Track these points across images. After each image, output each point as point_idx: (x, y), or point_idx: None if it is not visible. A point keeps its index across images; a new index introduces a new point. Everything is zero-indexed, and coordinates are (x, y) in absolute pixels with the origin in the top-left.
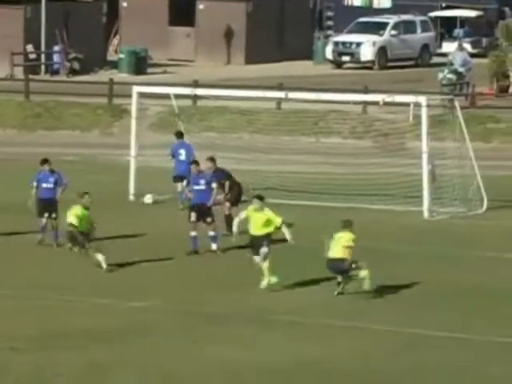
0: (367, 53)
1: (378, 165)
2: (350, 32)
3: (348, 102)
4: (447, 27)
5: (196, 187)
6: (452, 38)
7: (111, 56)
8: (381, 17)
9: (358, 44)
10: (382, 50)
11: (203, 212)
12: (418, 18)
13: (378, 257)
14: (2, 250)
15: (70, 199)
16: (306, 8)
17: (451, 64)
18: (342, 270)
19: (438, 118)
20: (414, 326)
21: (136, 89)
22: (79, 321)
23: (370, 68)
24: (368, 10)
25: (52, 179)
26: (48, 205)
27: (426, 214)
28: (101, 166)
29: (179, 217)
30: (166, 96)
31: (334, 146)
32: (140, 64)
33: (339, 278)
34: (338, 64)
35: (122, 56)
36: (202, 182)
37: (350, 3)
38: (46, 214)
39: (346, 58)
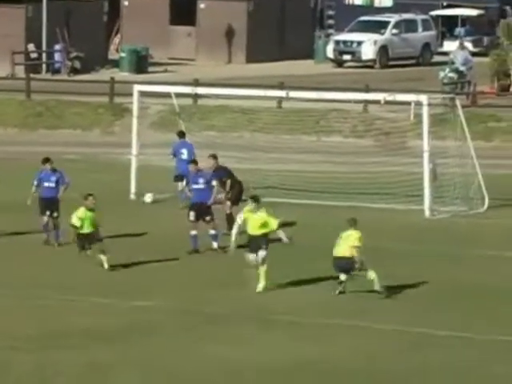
0: (368, 52)
1: (379, 164)
2: (351, 31)
3: (349, 101)
4: (448, 26)
5: (195, 186)
6: (453, 37)
7: (112, 55)
8: (382, 16)
9: (359, 43)
10: (383, 49)
11: (202, 211)
12: (419, 17)
13: (379, 256)
14: (4, 249)
15: (72, 198)
16: (307, 7)
17: (452, 63)
18: (347, 268)
19: (439, 117)
20: (415, 325)
21: (137, 88)
22: (80, 320)
23: (371, 67)
24: (369, 8)
25: (54, 178)
26: (50, 204)
27: (427, 213)
28: (102, 164)
29: (180, 216)
30: (167, 95)
31: (335, 145)
32: (141, 63)
33: (342, 277)
34: (339, 63)
35: (123, 55)
36: (201, 180)
37: (351, 2)
38: (48, 213)
39: (347, 57)
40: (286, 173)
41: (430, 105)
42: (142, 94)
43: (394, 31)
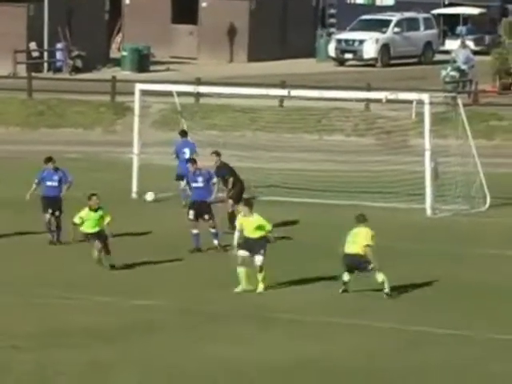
0: (370, 50)
1: (381, 162)
2: (353, 29)
3: (351, 100)
4: (450, 25)
5: (194, 185)
6: (455, 36)
7: (114, 53)
8: (384, 14)
9: (361, 41)
10: (384, 48)
11: (202, 209)
12: (421, 16)
13: (381, 254)
14: (5, 248)
15: (75, 197)
16: (309, 6)
17: (454, 61)
18: (359, 267)
19: (440, 116)
20: (416, 323)
21: (139, 86)
22: (81, 319)
23: (373, 65)
24: (371, 7)
25: (56, 177)
26: (52, 202)
27: (428, 212)
28: (103, 163)
29: (182, 214)
30: (169, 94)
31: (337, 144)
32: (143, 62)
33: (345, 278)
34: (341, 61)
35: (124, 54)
36: (200, 179)
37: (352, 1)
38: (50, 211)
39: (348, 56)
40: (287, 171)
41: (431, 103)
42: (144, 92)
43: (396, 30)
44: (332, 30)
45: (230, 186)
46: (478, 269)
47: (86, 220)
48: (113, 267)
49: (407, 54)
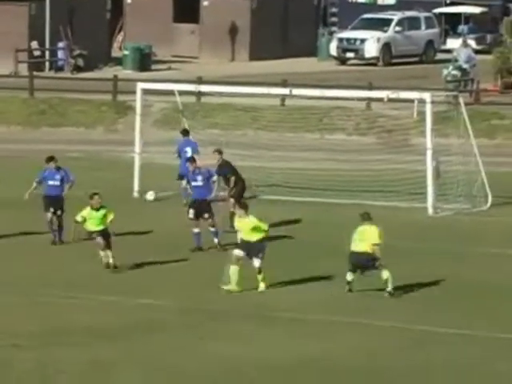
0: (371, 49)
1: (383, 161)
2: (355, 28)
3: (352, 99)
4: (452, 23)
5: (194, 183)
6: (456, 35)
7: (115, 52)
8: (385, 13)
9: (363, 40)
10: (386, 47)
11: (202, 208)
12: (423, 15)
13: (382, 253)
14: (7, 247)
15: (76, 196)
16: (311, 4)
17: (456, 60)
18: (366, 265)
19: (442, 115)
20: (418, 322)
21: (140, 85)
22: (82, 318)
23: (375, 64)
24: (372, 6)
25: (58, 176)
26: (54, 202)
27: (430, 211)
28: (105, 162)
29: (183, 213)
30: (171, 93)
31: (339, 143)
32: (144, 61)
33: (349, 277)
34: (343, 60)
35: (126, 52)
36: (199, 178)
37: (354, 0)
38: (52, 210)
39: (350, 55)
40: (289, 170)
41: (433, 102)
42: (146, 91)
43: (397, 29)
44: (333, 28)
45: (231, 184)
46: (479, 268)
47: (89, 219)
48: (115, 268)
49: (409, 52)
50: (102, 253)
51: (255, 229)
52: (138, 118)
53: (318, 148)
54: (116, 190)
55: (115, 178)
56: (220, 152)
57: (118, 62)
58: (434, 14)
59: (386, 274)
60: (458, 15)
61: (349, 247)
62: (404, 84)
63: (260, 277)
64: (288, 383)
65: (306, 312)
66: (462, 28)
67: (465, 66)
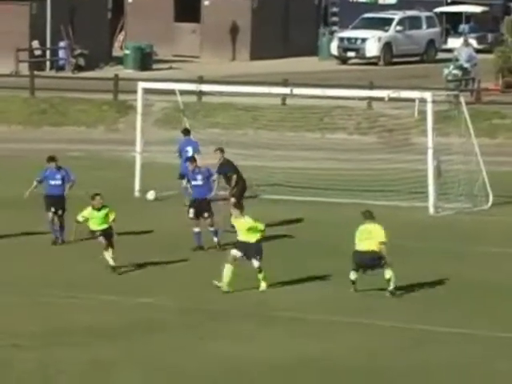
0: (372, 48)
1: (384, 161)
2: (356, 28)
3: (353, 98)
4: (453, 23)
5: (194, 183)
6: (457, 34)
7: (117, 52)
8: (386, 12)
9: (364, 40)
10: (387, 46)
11: (202, 207)
12: (424, 14)
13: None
14: (8, 247)
15: (77, 196)
16: (311, 4)
17: (457, 60)
18: (372, 264)
19: (443, 114)
20: (419, 322)
21: (141, 85)
22: (83, 318)
23: (376, 64)
24: (373, 5)
25: (59, 176)
26: (55, 201)
27: (431, 210)
28: (106, 162)
29: (184, 213)
30: (172, 92)
31: (339, 142)
32: (145, 60)
33: (354, 276)
34: (344, 60)
35: (127, 52)
36: (199, 177)
37: None
38: (53, 209)
39: (351, 54)
40: (290, 170)
41: (434, 102)
42: (147, 91)
43: (398, 28)
44: (334, 28)
45: (232, 183)
46: (480, 267)
47: (91, 219)
48: (118, 269)
49: (410, 52)
50: (105, 254)
51: (251, 229)
52: (138, 118)
53: (318, 147)
54: (117, 189)
55: (116, 178)
56: (222, 151)
57: (119, 61)
58: (435, 13)
59: (389, 274)
60: (459, 14)
61: (350, 246)
62: (405, 83)
63: (260, 276)
64: (288, 383)
65: (306, 311)
66: (463, 27)
67: (466, 65)
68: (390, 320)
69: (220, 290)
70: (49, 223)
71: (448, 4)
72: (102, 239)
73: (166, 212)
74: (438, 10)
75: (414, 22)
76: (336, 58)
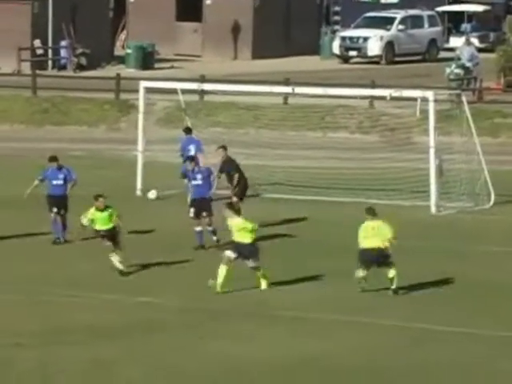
0: (374, 47)
1: (385, 160)
2: (357, 27)
3: (355, 97)
4: (454, 22)
5: (194, 182)
6: (459, 33)
7: (118, 51)
8: (388, 11)
9: (365, 39)
10: (389, 45)
11: (202, 206)
12: (426, 13)
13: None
14: (9, 247)
15: (79, 195)
16: (313, 3)
17: (458, 59)
18: (380, 261)
19: (445, 113)
20: (420, 321)
21: (143, 84)
22: (84, 317)
23: (377, 63)
24: (375, 4)
25: (61, 175)
26: (58, 201)
27: (433, 209)
28: (108, 161)
29: (185, 212)
30: (173, 91)
31: (341, 141)
32: (147, 59)
33: (361, 273)
34: (345, 59)
35: (129, 51)
36: (199, 176)
37: None
38: (55, 210)
39: (353, 53)
40: (292, 169)
41: (436, 101)
42: (148, 90)
43: (400, 27)
44: (336, 27)
45: (234, 182)
46: (482, 266)
47: (94, 220)
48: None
49: (411, 51)
50: (112, 258)
51: (243, 229)
52: (140, 117)
53: (320, 146)
54: (119, 188)
55: (118, 177)
56: (225, 148)
57: (121, 60)
58: (437, 12)
59: (392, 273)
60: (460, 13)
61: (351, 245)
62: (407, 82)
63: (259, 274)
64: (289, 383)
65: (306, 311)
66: (465, 26)
67: (468, 64)
68: (391, 319)
69: (209, 284)
70: (52, 224)
71: (450, 3)
72: (106, 242)
73: (167, 211)
74: (440, 8)
75: (415, 21)
76: (338, 57)
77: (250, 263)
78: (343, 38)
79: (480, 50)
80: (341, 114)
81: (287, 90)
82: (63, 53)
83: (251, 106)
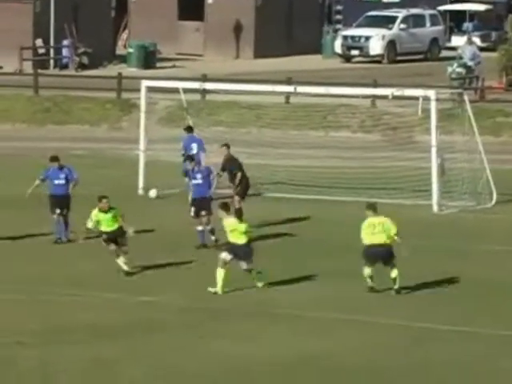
0: (376, 47)
1: (387, 159)
2: (359, 26)
3: (357, 96)
4: (456, 21)
5: (194, 181)
6: (461, 32)
7: (120, 50)
8: (390, 10)
9: (367, 38)
10: (391, 44)
11: (202, 205)
12: (427, 12)
13: None
14: (10, 246)
15: (81, 195)
16: (315, 2)
17: (460, 58)
18: (387, 257)
19: (447, 112)
20: (422, 320)
21: (145, 83)
22: (85, 316)
23: (379, 62)
24: (377, 3)
25: (63, 175)
26: (60, 201)
27: (435, 208)
28: (110, 160)
29: (187, 211)
30: (175, 90)
31: (343, 140)
32: (149, 58)
33: (369, 271)
34: (347, 58)
35: (130, 50)
36: (199, 176)
37: None
38: (58, 211)
39: (355, 52)
40: (294, 168)
41: (437, 100)
42: (150, 89)
43: (402, 26)
44: (338, 26)
45: (236, 181)
46: (483, 265)
47: (100, 221)
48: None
49: (413, 50)
50: (118, 260)
51: (236, 230)
52: (142, 116)
53: (322, 145)
54: (121, 187)
55: (120, 176)
56: (228, 147)
57: (123, 59)
58: (439, 11)
59: (395, 273)
60: (462, 12)
61: (353, 244)
62: (409, 81)
63: (252, 276)
64: (289, 382)
65: (307, 310)
66: (467, 25)
67: (470, 63)
68: (392, 318)
69: (212, 292)
70: (54, 225)
71: (452, 2)
72: (111, 247)
73: (169, 210)
74: (442, 8)
75: (417, 20)
76: (340, 56)
77: (243, 265)
78: (345, 37)
79: (482, 49)
80: (343, 113)
81: (289, 89)
82: (65, 52)
83: (253, 105)
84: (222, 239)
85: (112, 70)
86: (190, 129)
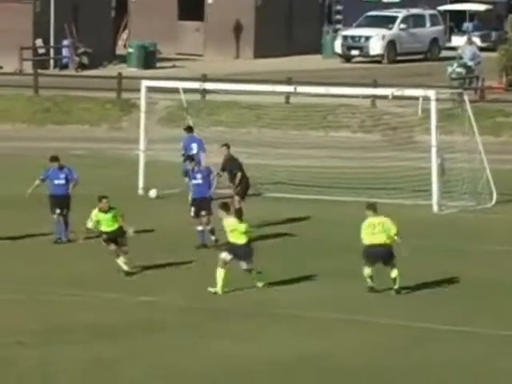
0: (376, 47)
1: (387, 158)
2: (359, 26)
3: (357, 96)
4: (456, 21)
5: (194, 181)
6: (461, 32)
7: (120, 50)
8: (390, 10)
9: (367, 38)
10: (391, 44)
11: (202, 205)
12: (427, 12)
13: None
14: (10, 246)
15: (81, 194)
16: (315, 2)
17: (460, 58)
18: (387, 257)
19: (447, 112)
20: (422, 320)
21: (145, 83)
22: (85, 316)
23: (379, 62)
24: (377, 3)
25: (63, 175)
26: (60, 201)
27: (435, 208)
28: (110, 160)
29: (187, 211)
30: (175, 90)
31: (343, 140)
32: (149, 58)
33: (369, 271)
34: (347, 58)
35: (130, 50)
36: (199, 176)
37: None
38: (58, 211)
39: (355, 52)
40: (294, 168)
41: (437, 100)
42: (150, 89)
43: (402, 26)
44: (338, 26)
45: (237, 181)
46: (483, 265)
47: (100, 221)
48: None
49: (413, 50)
50: (118, 261)
51: (236, 230)
52: (142, 116)
53: (322, 145)
54: (121, 187)
55: (120, 176)
56: (228, 147)
57: (123, 59)
58: (439, 11)
59: (395, 273)
60: (462, 13)
61: (353, 244)
62: (409, 81)
63: (252, 276)
64: (289, 382)
65: (307, 310)
66: (467, 25)
67: (470, 63)
68: (392, 318)
69: (212, 292)
70: (54, 225)
71: (452, 2)
72: (111, 247)
73: (169, 210)
74: (442, 8)
75: (417, 20)
76: (340, 56)
77: (243, 265)
78: (345, 37)
79: (482, 49)
80: (343, 113)
81: (289, 89)
82: (65, 52)
83: (253, 105)
84: (222, 239)
85: (112, 70)
86: (190, 129)
